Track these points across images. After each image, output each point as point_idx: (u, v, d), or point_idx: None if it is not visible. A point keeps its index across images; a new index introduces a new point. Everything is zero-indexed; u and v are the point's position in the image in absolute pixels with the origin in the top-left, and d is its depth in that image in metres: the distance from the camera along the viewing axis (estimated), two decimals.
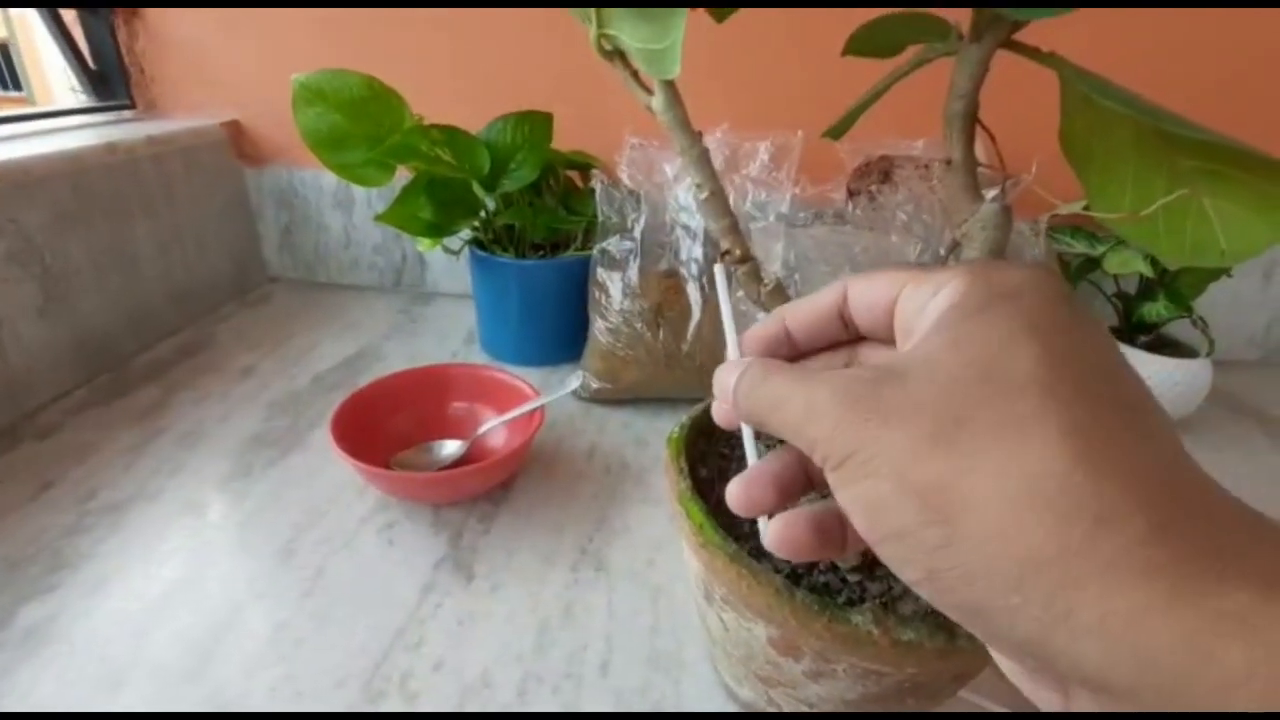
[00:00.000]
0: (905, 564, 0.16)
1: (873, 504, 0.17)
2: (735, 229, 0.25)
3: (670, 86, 0.24)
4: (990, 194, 0.25)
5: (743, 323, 0.57)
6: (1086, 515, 0.14)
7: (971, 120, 0.24)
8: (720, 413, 0.22)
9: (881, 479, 0.16)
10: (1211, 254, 0.21)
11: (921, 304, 0.18)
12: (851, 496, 0.17)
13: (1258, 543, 0.13)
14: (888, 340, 0.20)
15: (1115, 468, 0.14)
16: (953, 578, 0.15)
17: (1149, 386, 0.17)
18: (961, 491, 0.15)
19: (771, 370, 0.20)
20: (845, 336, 0.22)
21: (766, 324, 0.23)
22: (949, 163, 0.24)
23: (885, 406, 0.16)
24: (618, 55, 0.24)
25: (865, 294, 0.20)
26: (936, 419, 0.16)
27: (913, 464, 0.16)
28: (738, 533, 0.29)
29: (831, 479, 0.17)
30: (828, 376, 0.18)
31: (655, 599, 0.40)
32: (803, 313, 0.22)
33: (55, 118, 0.70)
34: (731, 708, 0.33)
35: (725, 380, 0.21)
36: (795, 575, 0.27)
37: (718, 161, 0.57)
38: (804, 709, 0.28)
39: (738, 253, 0.25)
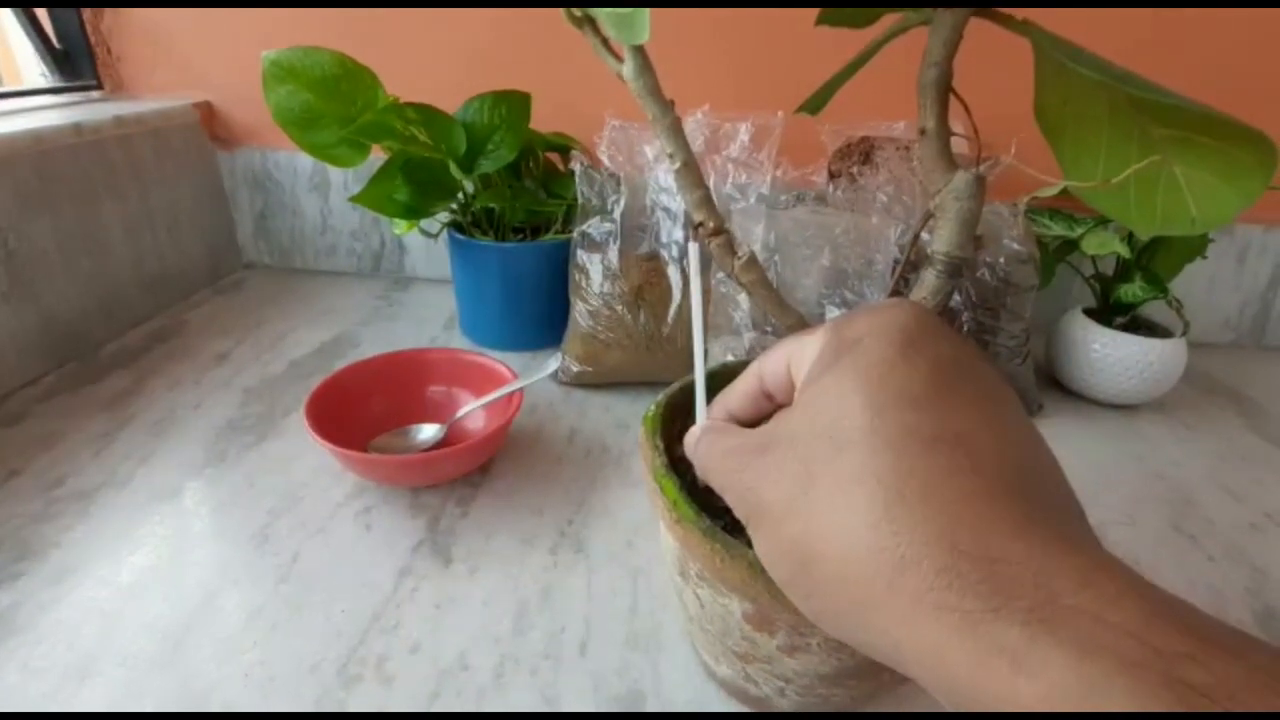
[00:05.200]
0: (800, 606, 0.19)
1: (766, 559, 0.20)
2: (709, 200, 0.25)
3: (640, 53, 0.23)
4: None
5: (722, 305, 0.56)
6: (889, 562, 0.16)
7: (945, 89, 0.24)
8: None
9: (765, 538, 0.19)
10: (1182, 222, 0.21)
11: (802, 356, 0.21)
12: (759, 552, 0.20)
13: (1039, 574, 0.15)
14: None
15: (914, 513, 0.16)
16: (825, 619, 0.18)
17: (1002, 389, 0.19)
18: (812, 548, 0.18)
19: (715, 440, 0.23)
20: (770, 407, 0.24)
21: (714, 411, 0.26)
22: (923, 132, 0.24)
23: (762, 474, 0.19)
24: (587, 22, 0.24)
25: (771, 372, 0.23)
26: (794, 482, 0.18)
27: (779, 526, 0.19)
28: (712, 510, 0.28)
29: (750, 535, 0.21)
30: (736, 446, 0.21)
31: (634, 580, 0.39)
32: (736, 401, 0.25)
33: (18, 98, 0.68)
34: (710, 685, 0.33)
35: (689, 442, 0.25)
36: None
37: (697, 143, 0.57)
38: (780, 684, 0.28)
39: (711, 225, 0.25)
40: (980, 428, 0.17)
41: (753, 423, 0.25)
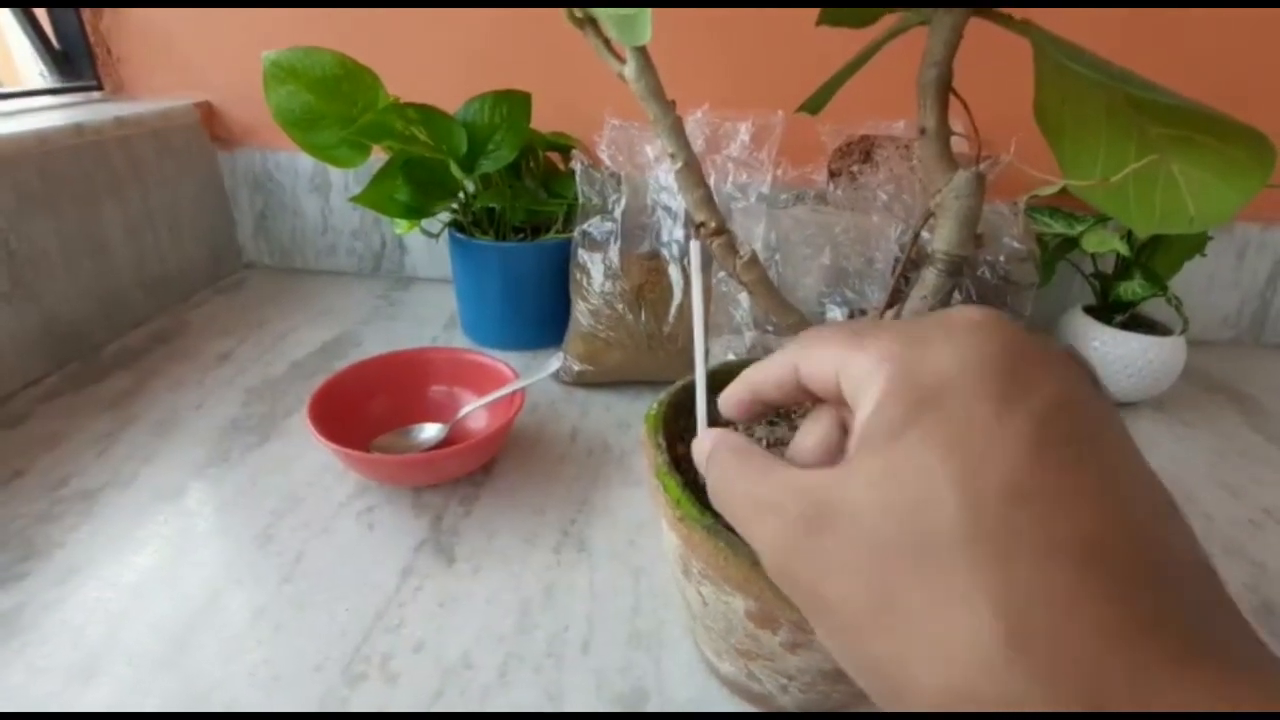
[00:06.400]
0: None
1: (843, 664, 0.17)
2: (710, 200, 0.25)
3: (642, 53, 0.23)
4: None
5: (723, 304, 0.56)
6: (1014, 710, 0.14)
7: (945, 89, 0.24)
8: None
9: (839, 646, 0.17)
10: (1180, 220, 0.22)
11: (859, 381, 0.18)
12: (829, 648, 0.18)
13: None
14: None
15: (1043, 658, 0.14)
16: None
17: (1121, 441, 0.16)
18: (908, 674, 0.15)
19: (733, 468, 0.20)
20: (809, 399, 0.22)
21: (737, 389, 0.23)
22: (923, 131, 0.24)
23: (818, 564, 0.17)
24: (589, 22, 0.24)
25: (814, 373, 0.20)
26: (869, 588, 0.16)
27: (859, 638, 0.16)
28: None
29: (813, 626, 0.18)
30: (777, 500, 0.18)
31: (637, 579, 0.40)
32: (767, 386, 0.22)
33: (19, 98, 0.68)
34: (713, 683, 0.34)
35: (698, 453, 0.23)
36: None
37: (697, 142, 0.57)
38: (783, 681, 0.29)
39: (712, 225, 0.25)
40: (1108, 525, 0.15)
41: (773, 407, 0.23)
